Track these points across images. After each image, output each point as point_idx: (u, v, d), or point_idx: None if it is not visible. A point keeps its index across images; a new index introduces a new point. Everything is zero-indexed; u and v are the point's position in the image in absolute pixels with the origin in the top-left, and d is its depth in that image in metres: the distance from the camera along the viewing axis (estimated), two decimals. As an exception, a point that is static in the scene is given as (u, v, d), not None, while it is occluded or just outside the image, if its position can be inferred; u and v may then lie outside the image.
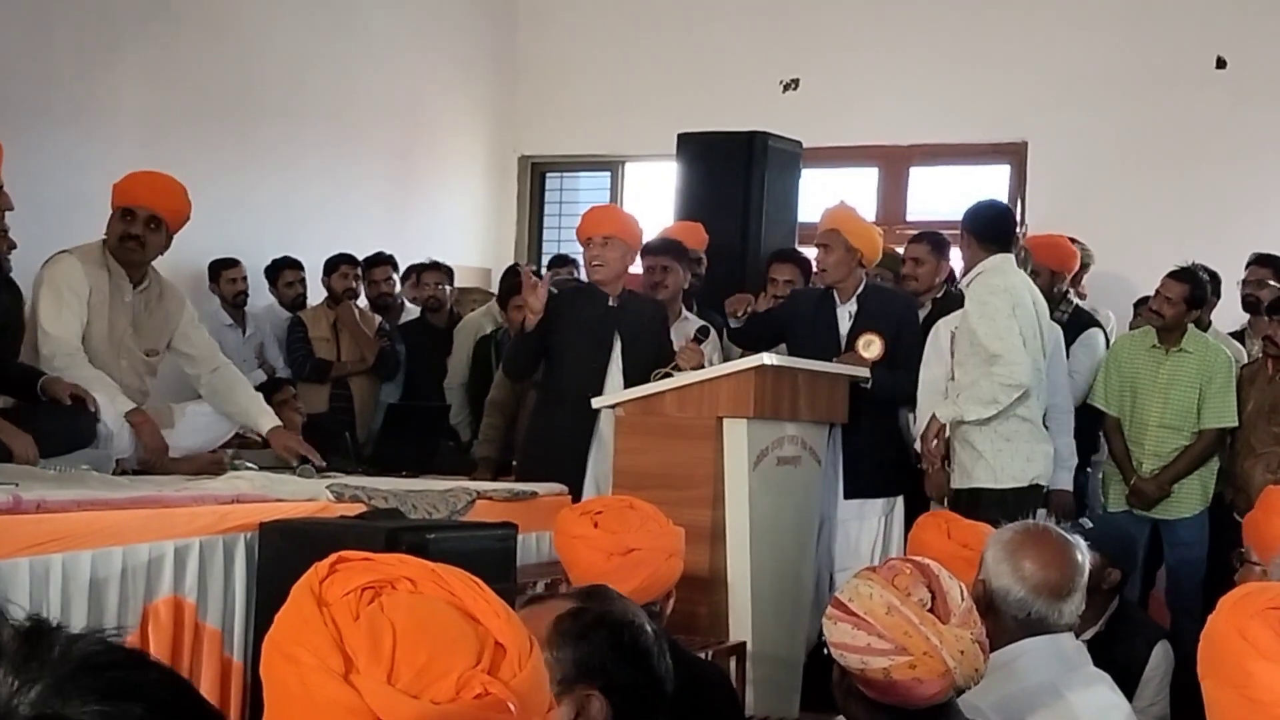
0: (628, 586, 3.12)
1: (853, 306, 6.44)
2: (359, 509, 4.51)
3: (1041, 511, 5.59)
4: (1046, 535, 3.02)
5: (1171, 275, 6.62)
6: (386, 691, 1.43)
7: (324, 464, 5.53)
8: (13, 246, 5.82)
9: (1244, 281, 7.21)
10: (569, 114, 10.39)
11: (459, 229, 10.09)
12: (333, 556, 1.63)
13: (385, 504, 4.56)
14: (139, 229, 5.34)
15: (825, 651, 2.49)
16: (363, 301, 8.35)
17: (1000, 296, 5.78)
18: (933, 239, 7.10)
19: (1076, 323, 6.99)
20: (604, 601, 2.17)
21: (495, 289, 8.50)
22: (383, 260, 8.42)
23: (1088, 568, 3.05)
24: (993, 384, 5.74)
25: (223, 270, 7.84)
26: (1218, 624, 1.84)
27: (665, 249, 6.77)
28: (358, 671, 1.45)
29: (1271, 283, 7.07)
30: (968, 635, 2.34)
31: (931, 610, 2.36)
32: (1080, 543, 3.08)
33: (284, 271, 8.17)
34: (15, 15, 6.95)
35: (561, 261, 8.47)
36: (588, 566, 3.22)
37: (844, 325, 6.43)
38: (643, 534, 3.24)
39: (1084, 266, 7.67)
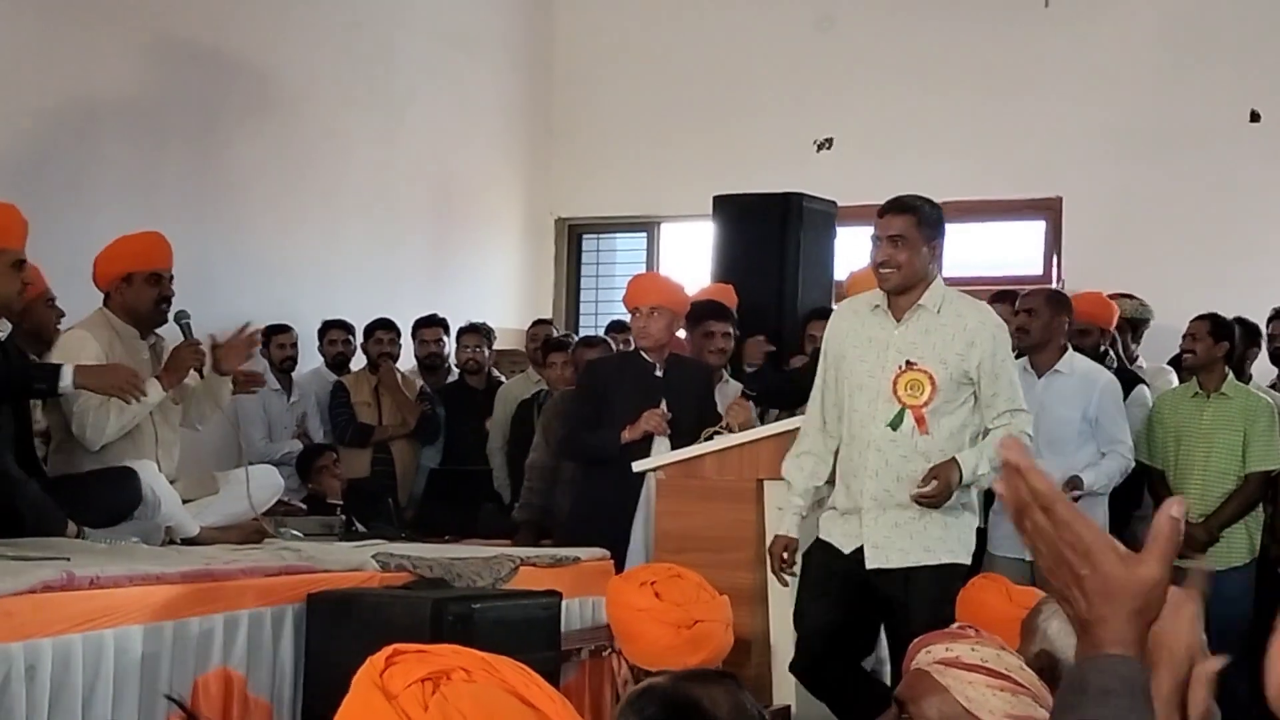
0: (693, 660, 3.13)
1: None
2: (404, 578, 4.53)
3: None
4: None
5: (1197, 318, 6.67)
6: None
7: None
8: (61, 315, 5.91)
9: (1270, 336, 7.22)
10: (605, 176, 10.46)
11: (497, 291, 10.15)
12: (388, 650, 1.65)
13: (430, 573, 4.57)
14: (170, 290, 5.42)
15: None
16: (409, 363, 8.41)
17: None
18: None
19: (1124, 381, 6.99)
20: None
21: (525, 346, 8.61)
22: (434, 321, 8.49)
23: None
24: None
25: (274, 335, 7.90)
26: None
27: (717, 313, 6.79)
28: None
29: None
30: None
31: None
32: None
33: (330, 330, 8.26)
34: (65, 103, 7.08)
35: (617, 328, 8.44)
36: (652, 640, 3.17)
37: None
38: (700, 605, 3.22)
39: (1141, 323, 7.65)
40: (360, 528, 6.20)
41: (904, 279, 4.60)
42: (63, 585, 3.70)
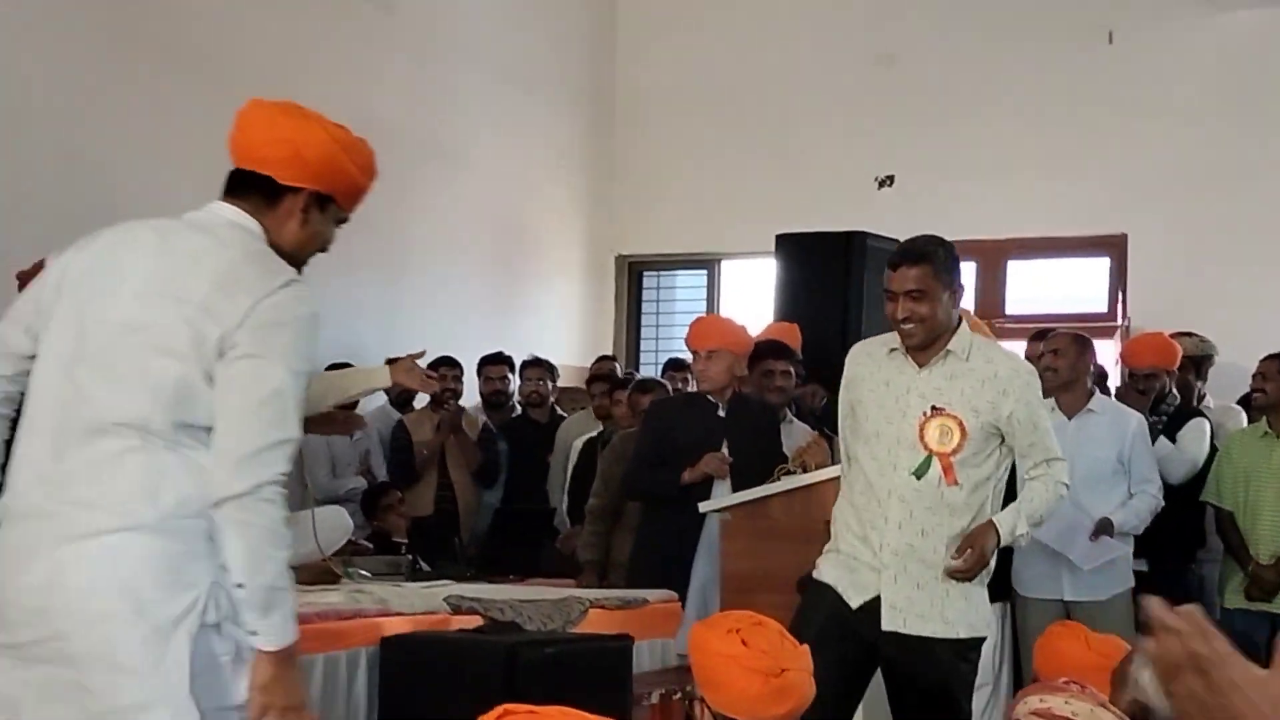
0: (781, 710, 3.11)
1: None
2: (476, 621, 4.55)
3: None
4: None
5: (1267, 357, 6.62)
6: None
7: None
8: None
9: None
10: (665, 213, 10.50)
11: (559, 328, 10.19)
12: (499, 709, 1.67)
13: (502, 616, 4.58)
14: None
15: None
16: (473, 399, 8.44)
17: None
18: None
19: (1180, 416, 6.95)
20: None
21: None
22: (500, 359, 8.52)
23: None
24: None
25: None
26: None
27: (777, 352, 6.79)
28: None
29: None
30: None
31: None
32: None
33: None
34: (144, 150, 7.18)
35: (676, 365, 8.46)
36: (740, 689, 3.12)
37: None
38: (786, 653, 3.19)
39: (1205, 360, 7.60)
40: (425, 567, 6.21)
41: (929, 332, 4.26)
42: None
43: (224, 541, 2.62)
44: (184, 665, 2.56)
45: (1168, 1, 9.15)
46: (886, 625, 4.28)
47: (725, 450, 6.10)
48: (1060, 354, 6.32)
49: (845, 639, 4.31)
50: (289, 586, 2.69)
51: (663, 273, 10.95)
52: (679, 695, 4.57)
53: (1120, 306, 9.19)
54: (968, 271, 9.73)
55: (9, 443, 2.81)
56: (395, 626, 4.34)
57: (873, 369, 4.42)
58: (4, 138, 6.39)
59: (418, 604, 4.58)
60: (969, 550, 4.22)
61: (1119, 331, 8.79)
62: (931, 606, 4.28)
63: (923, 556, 4.27)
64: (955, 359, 4.29)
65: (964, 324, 4.37)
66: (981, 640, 4.43)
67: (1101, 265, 9.49)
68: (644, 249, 10.77)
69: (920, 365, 4.32)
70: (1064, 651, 3.84)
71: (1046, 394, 6.10)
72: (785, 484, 5.79)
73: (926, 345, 4.29)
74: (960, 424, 4.22)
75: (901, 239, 8.28)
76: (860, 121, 9.92)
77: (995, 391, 4.26)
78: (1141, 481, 6.23)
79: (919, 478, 4.24)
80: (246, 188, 2.87)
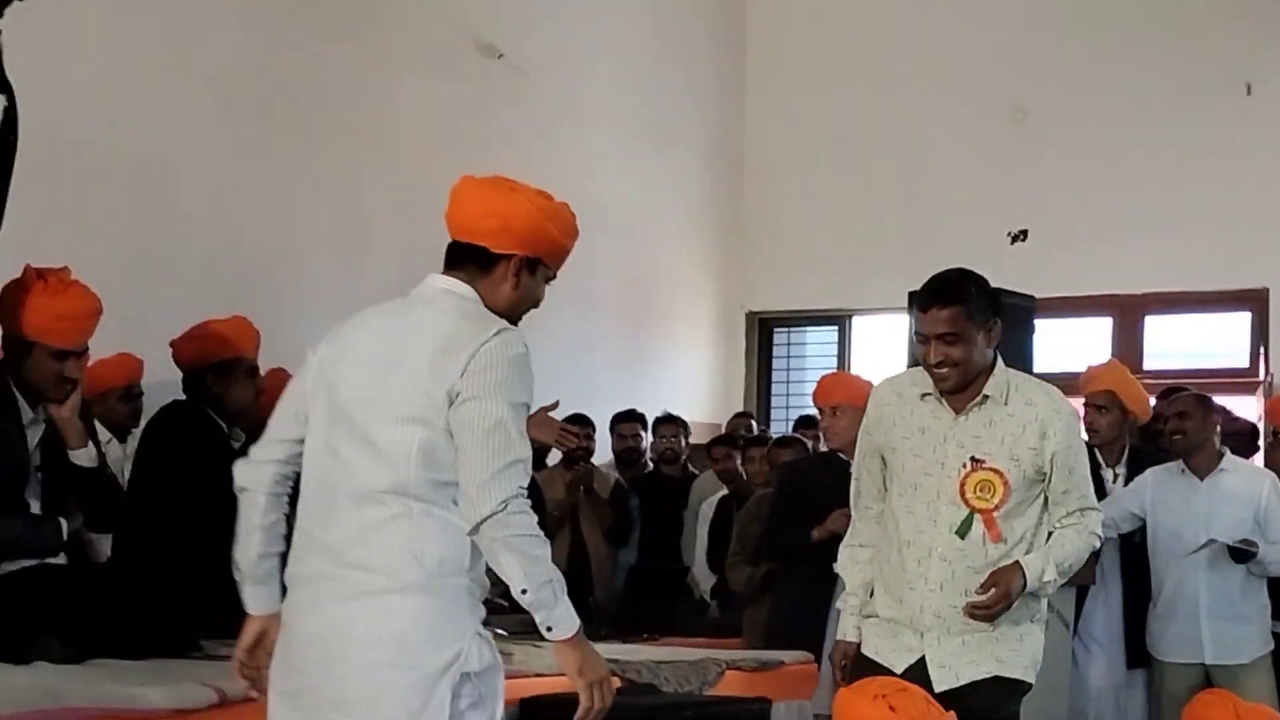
0: None
1: (1121, 470, 6.32)
2: (614, 683, 4.55)
3: None
4: None
5: None
6: None
7: None
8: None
9: None
10: (795, 269, 10.53)
11: (690, 384, 10.22)
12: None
13: (639, 678, 4.59)
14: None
15: None
16: (604, 456, 8.48)
17: None
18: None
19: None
20: None
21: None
22: (632, 416, 8.57)
23: None
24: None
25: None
26: None
27: None
28: None
29: None
30: None
31: None
32: None
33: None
34: (281, 218, 7.35)
35: (807, 423, 8.44)
36: None
37: (1108, 486, 6.27)
38: (930, 718, 3.17)
39: None
40: (562, 626, 6.22)
41: (963, 376, 3.95)
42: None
43: (496, 561, 2.89)
44: (444, 711, 2.88)
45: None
46: (939, 686, 3.93)
47: None
48: (1186, 417, 6.20)
49: None
50: (559, 579, 2.94)
51: (793, 329, 10.94)
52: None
53: (1263, 362, 9.00)
54: (1103, 326, 9.70)
55: (289, 517, 3.13)
56: (534, 687, 4.36)
57: (905, 413, 4.12)
58: (156, 208, 6.57)
59: (556, 665, 4.59)
60: (994, 589, 3.89)
61: (1261, 388, 8.61)
62: (981, 650, 3.99)
63: (968, 619, 3.97)
64: (993, 403, 3.99)
65: (999, 363, 4.05)
66: (1029, 686, 4.08)
67: (1243, 319, 9.33)
68: (774, 305, 10.79)
69: (956, 411, 4.01)
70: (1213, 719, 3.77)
71: (1175, 456, 6.06)
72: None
73: (961, 389, 3.99)
74: (1003, 477, 3.93)
75: (1037, 294, 8.37)
76: (993, 176, 9.87)
77: (1036, 435, 3.95)
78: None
79: (962, 537, 3.96)
80: (463, 258, 3.21)
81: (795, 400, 10.47)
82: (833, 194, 10.37)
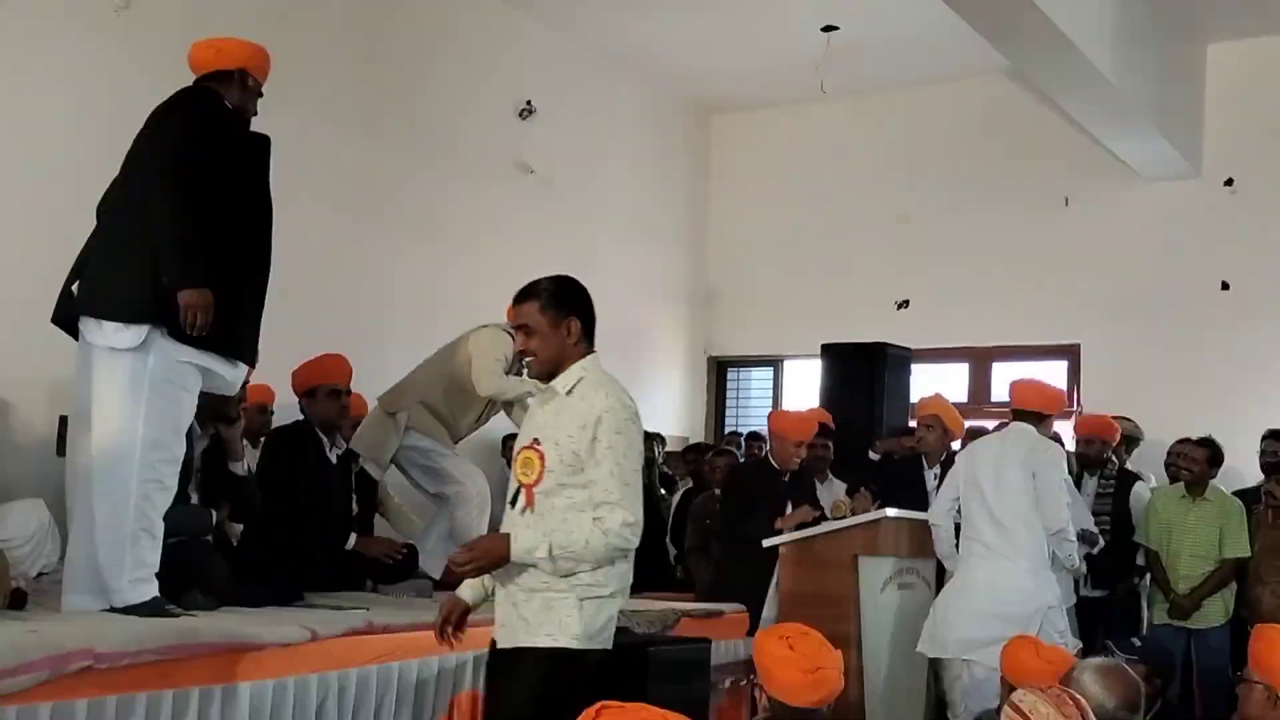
0: (816, 696, 3.11)
1: (936, 470, 6.37)
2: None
3: None
4: None
5: (1196, 443, 6.49)
6: None
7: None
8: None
9: (1261, 451, 6.96)
10: (745, 324, 10.53)
11: (666, 410, 10.22)
12: (597, 704, 1.69)
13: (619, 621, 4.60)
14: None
15: None
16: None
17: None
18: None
19: (1125, 480, 6.82)
20: None
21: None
22: None
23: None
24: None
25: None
26: None
27: (822, 432, 6.79)
28: None
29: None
30: None
31: None
32: None
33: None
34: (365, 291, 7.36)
35: (756, 438, 8.41)
36: (786, 681, 3.11)
37: (930, 485, 6.32)
38: (822, 655, 3.16)
39: (1134, 440, 7.45)
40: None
41: (542, 365, 3.36)
42: (365, 631, 3.82)
43: None
44: None
45: (1110, 175, 9.04)
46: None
47: (789, 507, 6.11)
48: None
49: None
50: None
51: (741, 369, 10.92)
52: (745, 683, 4.57)
53: (1076, 398, 9.05)
54: (962, 371, 9.72)
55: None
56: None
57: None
58: (287, 284, 6.58)
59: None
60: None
61: (1074, 415, 8.64)
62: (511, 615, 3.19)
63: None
64: (555, 395, 3.28)
65: (583, 361, 3.39)
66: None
67: (1061, 367, 9.35)
68: (728, 351, 10.78)
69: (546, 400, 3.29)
70: (1023, 661, 3.78)
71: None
72: (825, 527, 5.80)
73: (545, 378, 3.34)
74: (542, 457, 3.19)
75: (913, 347, 8.41)
76: (885, 260, 9.89)
77: (576, 426, 3.20)
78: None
79: (513, 506, 3.23)
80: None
81: (743, 422, 10.48)
82: (772, 270, 10.38)
